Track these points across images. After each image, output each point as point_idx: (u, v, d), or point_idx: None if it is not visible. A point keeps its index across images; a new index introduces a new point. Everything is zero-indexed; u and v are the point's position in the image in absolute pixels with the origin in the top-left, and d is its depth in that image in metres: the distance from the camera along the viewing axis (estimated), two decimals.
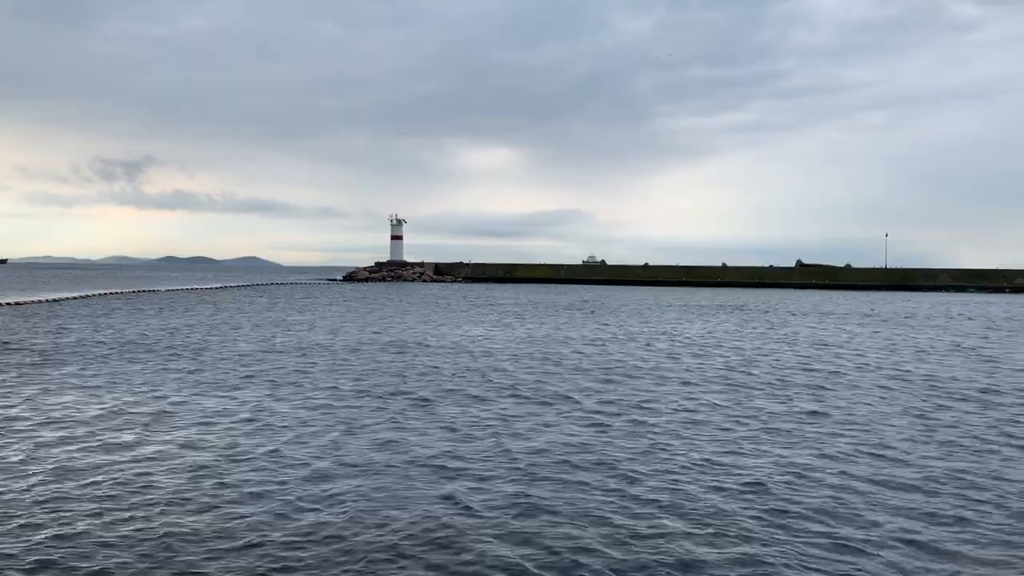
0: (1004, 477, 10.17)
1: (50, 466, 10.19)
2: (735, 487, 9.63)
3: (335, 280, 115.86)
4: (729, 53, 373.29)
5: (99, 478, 9.67)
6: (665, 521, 8.39)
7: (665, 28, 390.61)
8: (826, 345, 27.81)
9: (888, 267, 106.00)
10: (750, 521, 8.38)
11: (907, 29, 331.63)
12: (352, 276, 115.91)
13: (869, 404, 15.63)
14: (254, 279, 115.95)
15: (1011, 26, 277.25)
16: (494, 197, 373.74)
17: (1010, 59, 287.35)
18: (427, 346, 26.07)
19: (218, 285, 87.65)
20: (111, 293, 62.79)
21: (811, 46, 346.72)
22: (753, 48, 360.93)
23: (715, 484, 9.75)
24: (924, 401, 16.03)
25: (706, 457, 11.11)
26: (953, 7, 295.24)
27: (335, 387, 17.14)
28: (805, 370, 20.93)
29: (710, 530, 8.11)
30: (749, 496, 9.25)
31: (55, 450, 11.05)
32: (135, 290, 69.37)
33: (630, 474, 10.18)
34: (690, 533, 8.03)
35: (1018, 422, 13.87)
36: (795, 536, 7.95)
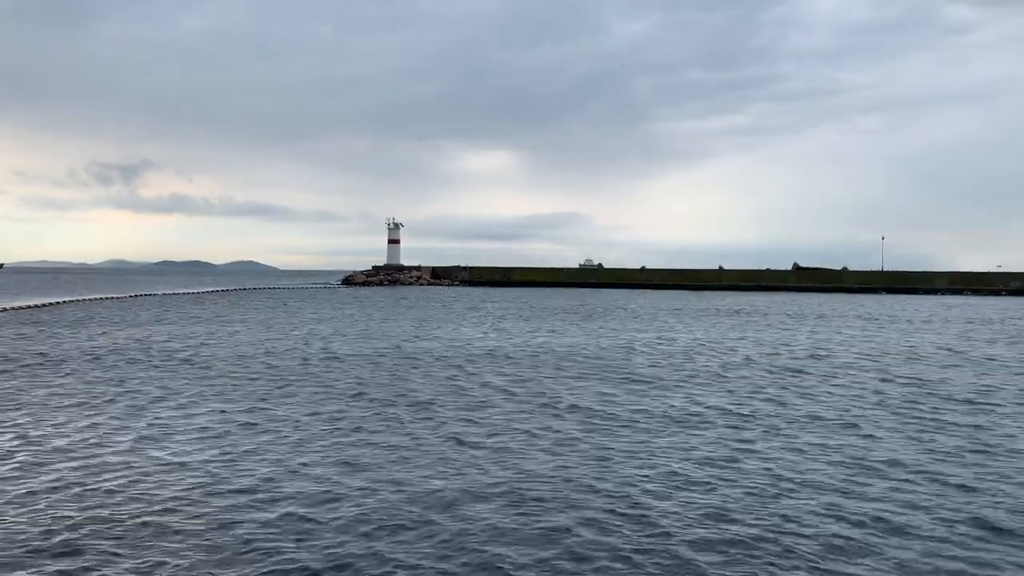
0: (986, 478, 10.18)
1: None
2: (718, 495, 9.63)
3: (331, 285, 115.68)
4: (726, 56, 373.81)
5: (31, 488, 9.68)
6: (644, 532, 8.39)
7: (663, 30, 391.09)
8: (815, 349, 27.79)
9: (884, 270, 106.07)
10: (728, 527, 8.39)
11: (903, 32, 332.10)
12: (350, 280, 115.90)
13: (854, 407, 15.61)
14: (251, 283, 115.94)
15: (1007, 28, 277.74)
16: (492, 200, 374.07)
17: (1008, 60, 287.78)
18: (417, 351, 26.07)
19: (213, 289, 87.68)
20: (106, 298, 62.81)
21: (808, 49, 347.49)
22: (750, 51, 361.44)
23: (697, 490, 9.75)
24: (909, 404, 16.02)
25: (689, 463, 11.11)
26: (947, 10, 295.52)
27: (318, 395, 17.14)
28: (794, 372, 20.94)
29: (692, 537, 8.11)
30: (727, 504, 9.26)
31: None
32: (131, 295, 69.47)
33: (602, 485, 10.17)
34: (673, 536, 8.03)
35: (1001, 424, 13.88)
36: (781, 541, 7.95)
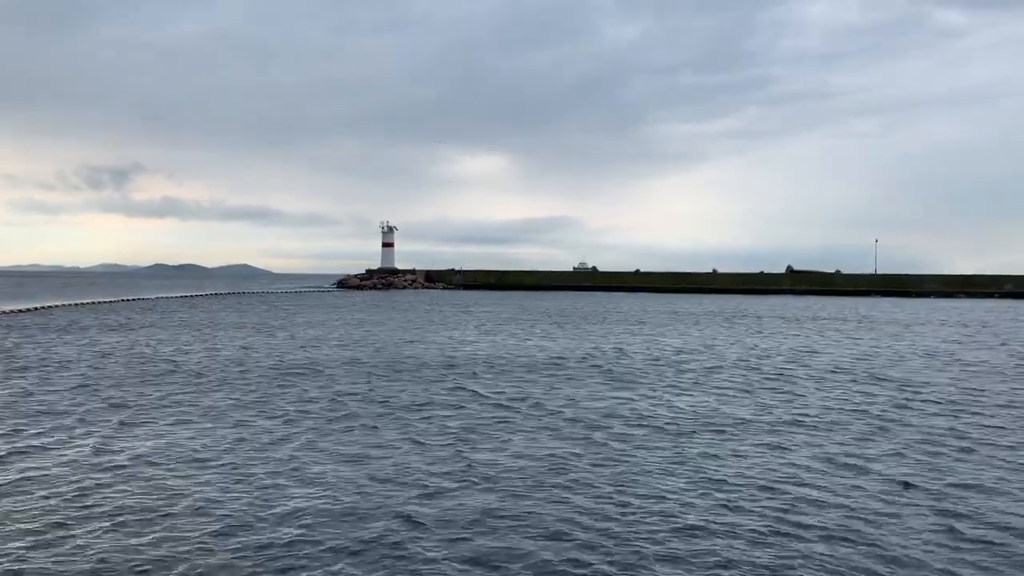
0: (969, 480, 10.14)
1: None
2: (704, 498, 9.56)
3: (324, 288, 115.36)
4: (720, 59, 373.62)
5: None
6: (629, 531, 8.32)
7: (658, 32, 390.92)
8: (807, 351, 27.75)
9: (878, 273, 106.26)
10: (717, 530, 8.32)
11: (897, 35, 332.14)
12: (344, 283, 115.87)
13: (838, 408, 15.56)
14: (244, 287, 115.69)
15: (999, 32, 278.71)
16: (486, 204, 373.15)
17: (1002, 64, 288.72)
18: (403, 356, 25.97)
19: (206, 293, 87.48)
20: (97, 302, 62.60)
21: (802, 52, 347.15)
22: (744, 54, 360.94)
23: (679, 494, 9.68)
24: (894, 405, 15.99)
25: (669, 466, 11.04)
26: (938, 13, 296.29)
27: (296, 402, 17.04)
28: (783, 375, 20.89)
29: (677, 537, 8.04)
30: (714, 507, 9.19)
31: None
32: (123, 299, 69.27)
33: (583, 484, 10.10)
34: (661, 539, 7.96)
35: (987, 426, 13.84)
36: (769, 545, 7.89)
